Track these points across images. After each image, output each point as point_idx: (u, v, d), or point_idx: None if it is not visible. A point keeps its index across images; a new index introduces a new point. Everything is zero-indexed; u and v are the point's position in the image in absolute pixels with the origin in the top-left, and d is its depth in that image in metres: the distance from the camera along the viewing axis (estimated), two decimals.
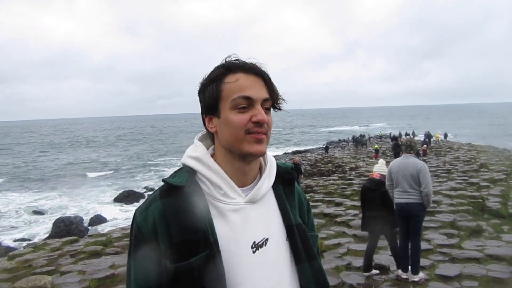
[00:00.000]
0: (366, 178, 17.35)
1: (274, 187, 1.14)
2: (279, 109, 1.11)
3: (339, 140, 60.09)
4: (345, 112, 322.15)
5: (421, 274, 5.46)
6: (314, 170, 25.99)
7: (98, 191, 28.77)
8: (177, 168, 1.14)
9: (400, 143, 22.00)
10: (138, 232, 1.01)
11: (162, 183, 1.06)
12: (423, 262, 5.91)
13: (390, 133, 50.30)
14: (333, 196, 13.56)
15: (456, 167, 19.48)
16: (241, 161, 1.06)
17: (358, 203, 11.65)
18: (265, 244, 1.05)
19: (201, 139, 1.16)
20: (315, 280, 1.10)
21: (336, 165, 26.71)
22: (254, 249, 1.03)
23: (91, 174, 38.07)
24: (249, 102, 1.02)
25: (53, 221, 17.48)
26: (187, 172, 1.06)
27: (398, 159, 5.61)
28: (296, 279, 1.10)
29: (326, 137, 71.86)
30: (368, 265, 5.79)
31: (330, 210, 11.08)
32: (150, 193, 1.10)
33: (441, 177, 16.27)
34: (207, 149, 1.13)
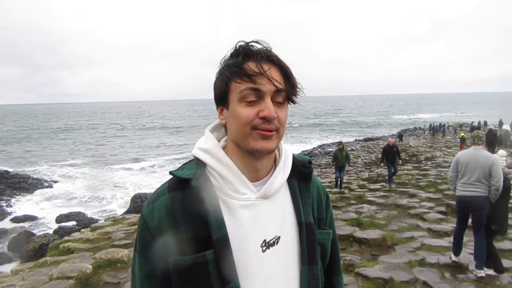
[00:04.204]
0: (443, 168, 16.32)
1: (289, 181, 1.07)
2: (294, 102, 1.02)
3: (414, 127, 57.26)
4: (426, 98, 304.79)
5: (484, 270, 5.21)
6: None
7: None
8: None
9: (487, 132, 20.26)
10: (144, 226, 0.97)
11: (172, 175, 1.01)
12: (506, 263, 5.44)
13: (472, 122, 46.77)
14: (406, 187, 12.92)
15: None
16: (251, 156, 0.99)
17: (434, 195, 11.05)
18: (277, 243, 0.99)
19: (213, 130, 1.09)
20: (309, 286, 1.02)
21: (411, 154, 25.39)
22: (264, 248, 0.97)
23: (167, 157, 39.83)
24: (258, 95, 0.94)
25: (131, 197, 18.65)
26: (196, 164, 1.00)
27: (467, 150, 5.46)
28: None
29: (401, 124, 68.77)
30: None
31: (403, 201, 10.57)
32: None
33: None
34: (220, 140, 1.06)
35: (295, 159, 1.10)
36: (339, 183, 13.37)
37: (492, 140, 18.73)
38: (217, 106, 1.03)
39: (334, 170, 14.07)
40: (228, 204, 0.96)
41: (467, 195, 5.21)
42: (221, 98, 1.00)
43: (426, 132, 46.50)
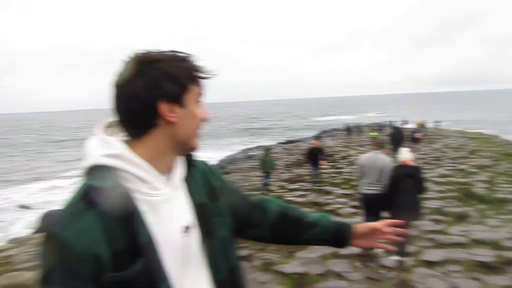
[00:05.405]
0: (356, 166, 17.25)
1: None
2: None
3: (333, 129, 60.05)
4: (343, 101, 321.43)
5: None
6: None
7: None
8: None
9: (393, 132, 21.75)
10: (67, 252, 0.86)
11: (79, 188, 0.95)
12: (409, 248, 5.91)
13: (380, 122, 50.37)
14: (323, 185, 13.51)
15: (446, 154, 19.50)
16: (175, 154, 1.08)
17: (348, 192, 11.65)
18: (190, 227, 1.07)
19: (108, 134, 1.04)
20: (213, 260, 1.10)
21: (328, 154, 26.64)
22: (181, 235, 1.04)
23: (79, 171, 37.55)
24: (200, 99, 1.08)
25: (39, 215, 17.26)
26: (106, 171, 0.94)
27: (368, 154, 6.38)
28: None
29: (321, 126, 71.89)
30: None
31: (320, 199, 11.04)
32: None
33: (431, 164, 16.31)
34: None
35: None
36: (265, 187, 12.90)
37: (399, 138, 20.13)
38: (161, 101, 0.97)
39: (257, 174, 13.87)
40: (149, 202, 0.98)
41: (368, 192, 6.19)
42: (176, 96, 0.99)
43: (342, 132, 49.02)
